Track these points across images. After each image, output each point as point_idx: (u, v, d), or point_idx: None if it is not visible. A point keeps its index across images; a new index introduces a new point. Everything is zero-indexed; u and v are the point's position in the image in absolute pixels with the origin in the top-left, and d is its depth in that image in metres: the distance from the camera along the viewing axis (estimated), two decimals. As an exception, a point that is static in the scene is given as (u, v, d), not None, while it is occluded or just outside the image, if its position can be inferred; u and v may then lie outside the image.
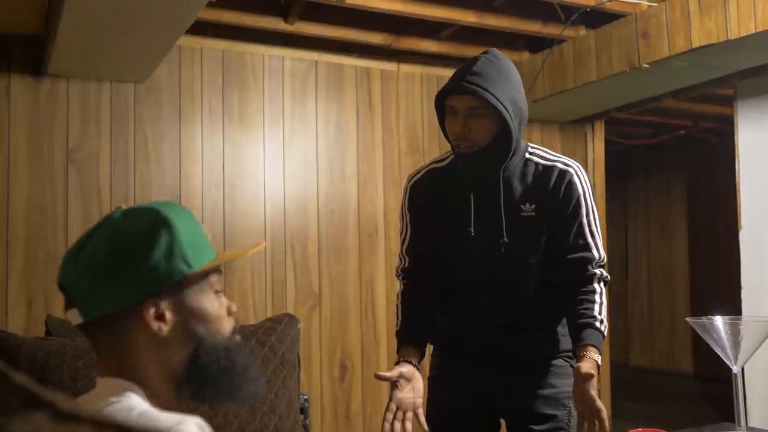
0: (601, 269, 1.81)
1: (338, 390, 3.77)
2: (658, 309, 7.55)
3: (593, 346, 1.70)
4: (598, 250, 1.82)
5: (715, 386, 5.67)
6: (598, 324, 1.73)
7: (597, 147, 4.64)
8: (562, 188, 1.80)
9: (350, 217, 3.87)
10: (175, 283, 1.00)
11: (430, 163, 1.97)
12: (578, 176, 1.83)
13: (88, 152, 3.36)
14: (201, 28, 3.43)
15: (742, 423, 1.67)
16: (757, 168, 3.83)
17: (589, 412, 1.62)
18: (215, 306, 1.06)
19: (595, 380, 1.63)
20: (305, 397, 2.32)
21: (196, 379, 1.02)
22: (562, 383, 1.86)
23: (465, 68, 1.76)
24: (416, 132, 4.07)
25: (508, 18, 3.59)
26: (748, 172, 3.88)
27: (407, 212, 1.95)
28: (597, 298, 1.78)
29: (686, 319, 1.75)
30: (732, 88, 3.96)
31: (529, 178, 1.82)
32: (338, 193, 3.85)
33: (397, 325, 1.90)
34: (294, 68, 3.80)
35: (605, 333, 1.75)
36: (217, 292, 1.07)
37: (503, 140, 1.77)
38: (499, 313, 1.87)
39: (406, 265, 1.94)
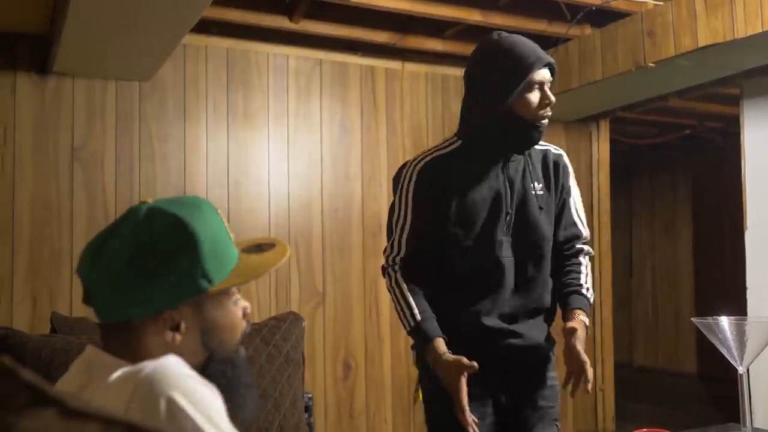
0: (586, 245, 1.96)
1: (342, 388, 3.77)
2: (662, 309, 7.53)
3: (580, 309, 1.85)
4: (585, 227, 1.97)
5: (719, 387, 5.66)
6: (584, 291, 1.88)
7: (602, 146, 4.63)
8: (560, 170, 1.94)
9: (354, 216, 3.87)
10: (194, 297, 1.00)
11: (433, 151, 1.92)
12: (567, 160, 1.98)
13: (93, 150, 3.36)
14: (206, 27, 3.44)
15: (748, 424, 1.66)
16: (763, 168, 3.82)
17: (576, 367, 1.75)
18: (230, 316, 1.05)
19: (582, 335, 1.78)
20: (309, 395, 2.32)
21: None
22: (553, 376, 1.95)
23: (533, 44, 1.82)
24: (420, 131, 4.07)
25: (514, 17, 3.59)
26: (754, 172, 3.86)
27: (410, 199, 1.86)
28: (583, 269, 1.92)
29: (692, 319, 1.75)
30: (738, 88, 3.95)
31: (534, 160, 1.92)
32: (342, 192, 3.85)
33: (411, 316, 1.79)
34: (299, 67, 3.80)
35: (591, 300, 1.89)
36: (235, 299, 1.07)
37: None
38: (520, 297, 1.88)
39: (404, 254, 1.86)
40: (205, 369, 1.02)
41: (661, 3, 3.35)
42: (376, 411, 3.83)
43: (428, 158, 1.89)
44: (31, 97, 3.26)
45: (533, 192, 1.88)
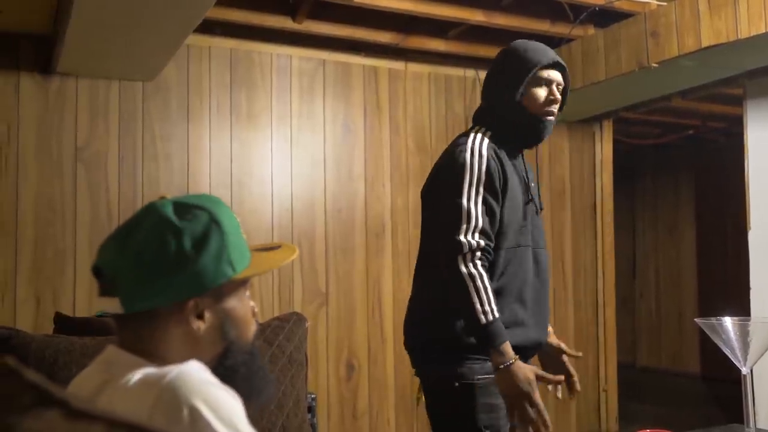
0: None
1: (345, 389, 3.77)
2: (665, 310, 7.52)
3: None
4: None
5: (723, 387, 5.65)
6: None
7: (605, 147, 4.63)
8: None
9: (357, 216, 3.87)
10: (219, 285, 1.02)
11: (481, 136, 1.89)
12: None
13: (97, 150, 3.37)
14: (209, 27, 3.44)
15: (751, 424, 1.66)
16: (766, 168, 3.81)
17: (567, 377, 1.98)
18: (246, 309, 1.08)
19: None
20: (312, 395, 2.32)
21: (220, 378, 1.03)
22: None
23: (546, 47, 1.95)
24: (423, 131, 4.06)
25: (517, 17, 3.59)
26: (757, 172, 3.86)
27: (482, 179, 1.80)
28: None
29: (695, 319, 1.75)
30: (741, 88, 3.94)
31: (525, 158, 2.04)
32: (345, 192, 3.85)
33: (490, 310, 1.71)
34: (302, 67, 3.80)
35: None
36: (247, 295, 1.09)
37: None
38: (543, 289, 1.94)
39: (480, 238, 1.77)
40: (225, 359, 1.04)
41: (665, 3, 3.35)
42: (379, 411, 3.83)
43: (486, 140, 1.87)
44: (35, 97, 3.27)
45: (532, 183, 1.99)
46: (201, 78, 3.57)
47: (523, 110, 1.90)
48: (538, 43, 1.96)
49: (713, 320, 1.65)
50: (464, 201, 1.77)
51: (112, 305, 1.03)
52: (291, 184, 3.73)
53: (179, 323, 1.01)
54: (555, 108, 1.93)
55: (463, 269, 1.73)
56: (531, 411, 1.68)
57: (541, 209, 2.03)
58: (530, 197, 1.95)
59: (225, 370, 1.03)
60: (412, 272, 2.03)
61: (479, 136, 1.88)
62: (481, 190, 1.80)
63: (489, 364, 1.76)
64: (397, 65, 4.03)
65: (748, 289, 3.87)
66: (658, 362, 7.51)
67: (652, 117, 5.52)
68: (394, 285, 3.88)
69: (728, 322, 1.63)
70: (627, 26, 3.52)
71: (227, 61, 3.63)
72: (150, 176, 3.44)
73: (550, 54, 1.93)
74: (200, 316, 1.02)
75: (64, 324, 2.15)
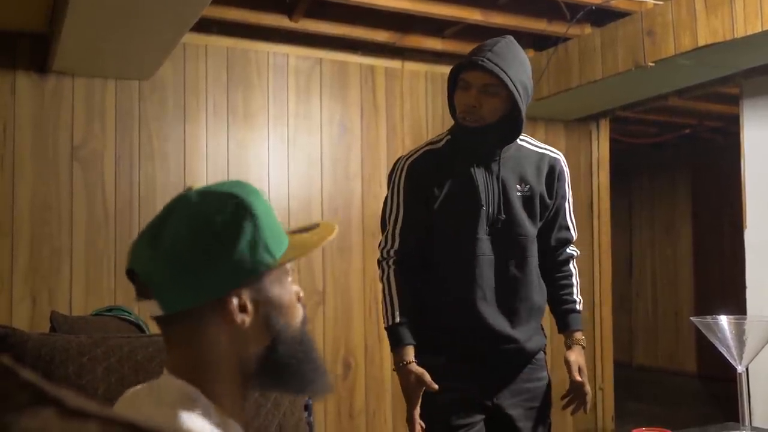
0: (574, 248, 2.03)
1: (342, 388, 3.77)
2: (662, 309, 7.53)
3: (578, 330, 1.97)
4: (575, 231, 2.03)
5: (719, 386, 5.66)
6: (578, 306, 1.99)
7: (602, 146, 4.63)
8: (555, 174, 1.96)
9: (354, 216, 3.87)
10: (258, 274, 0.96)
11: (425, 145, 1.98)
12: (565, 165, 2.01)
13: (93, 149, 3.36)
14: (206, 26, 3.44)
15: (747, 423, 1.66)
16: (762, 167, 3.82)
17: (580, 396, 1.91)
18: (290, 295, 1.02)
19: (583, 363, 1.93)
20: (309, 394, 2.32)
21: (270, 373, 0.99)
22: (544, 376, 2.00)
23: (484, 47, 1.83)
24: (420, 130, 4.06)
25: (514, 16, 3.59)
26: (753, 171, 3.87)
27: (401, 192, 1.93)
28: (574, 280, 2.01)
29: (691, 318, 1.75)
30: (738, 87, 3.95)
31: (524, 161, 1.93)
32: (342, 192, 3.85)
33: (392, 315, 1.87)
34: (298, 66, 3.80)
35: (581, 308, 2.01)
36: (290, 280, 1.03)
37: (509, 121, 1.86)
38: (504, 297, 1.89)
39: (398, 246, 1.91)
40: (272, 353, 0.98)
41: (661, 2, 3.35)
42: (376, 410, 3.83)
43: (419, 153, 1.95)
44: (31, 96, 3.26)
45: (517, 192, 1.90)
46: (197, 77, 3.57)
47: (456, 117, 1.89)
48: (484, 43, 1.85)
49: (709, 319, 1.65)
50: (387, 215, 1.95)
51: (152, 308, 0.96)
52: (288, 184, 3.73)
53: (222, 320, 0.95)
54: (472, 112, 1.82)
55: (379, 275, 1.94)
56: (408, 411, 1.86)
57: (522, 209, 1.91)
58: (485, 207, 1.86)
59: (273, 362, 0.98)
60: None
61: (415, 151, 1.96)
62: (401, 206, 1.92)
63: (436, 358, 1.89)
64: (394, 64, 4.03)
65: (744, 287, 3.88)
66: (655, 361, 7.53)
67: (649, 116, 5.53)
68: (391, 284, 3.88)
69: (724, 320, 1.63)
70: (624, 25, 3.52)
71: (224, 60, 3.63)
72: (146, 176, 3.44)
73: (475, 54, 1.81)
74: (243, 309, 0.95)
75: (60, 322, 2.15)
